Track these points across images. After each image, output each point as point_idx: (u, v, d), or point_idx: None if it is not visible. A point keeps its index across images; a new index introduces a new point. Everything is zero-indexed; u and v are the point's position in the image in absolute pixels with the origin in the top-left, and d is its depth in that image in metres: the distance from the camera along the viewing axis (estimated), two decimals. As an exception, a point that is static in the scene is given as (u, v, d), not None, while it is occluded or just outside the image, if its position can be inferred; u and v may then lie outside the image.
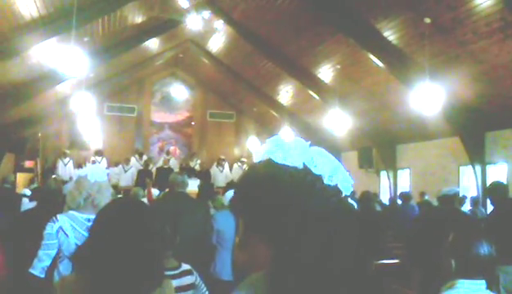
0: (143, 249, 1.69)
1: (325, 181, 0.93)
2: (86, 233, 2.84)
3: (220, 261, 5.24)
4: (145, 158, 16.36)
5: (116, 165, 15.90)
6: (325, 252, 0.88)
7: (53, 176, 11.63)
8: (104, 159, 16.28)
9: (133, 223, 1.74)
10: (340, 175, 0.95)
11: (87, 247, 1.77)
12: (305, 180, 0.92)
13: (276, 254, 0.89)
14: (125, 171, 15.62)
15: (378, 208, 9.43)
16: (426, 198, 10.42)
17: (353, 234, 0.93)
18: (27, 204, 6.63)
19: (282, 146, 0.94)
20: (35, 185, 11.17)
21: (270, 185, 0.91)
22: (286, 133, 15.57)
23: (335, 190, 0.94)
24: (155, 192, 9.27)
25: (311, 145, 0.98)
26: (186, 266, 2.51)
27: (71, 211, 2.95)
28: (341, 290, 0.88)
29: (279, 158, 0.93)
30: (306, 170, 0.93)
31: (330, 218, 0.90)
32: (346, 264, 0.89)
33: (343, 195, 0.95)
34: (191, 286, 2.48)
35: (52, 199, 4.36)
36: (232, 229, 4.84)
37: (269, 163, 0.94)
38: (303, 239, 0.88)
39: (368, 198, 8.85)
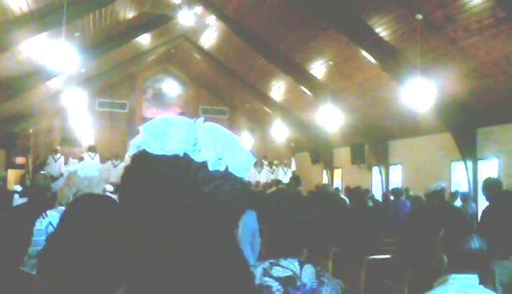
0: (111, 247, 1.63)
1: (212, 167, 0.76)
2: None
3: None
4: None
5: (105, 161, 15.83)
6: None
7: (42, 172, 11.55)
8: (97, 155, 16.19)
9: (100, 220, 1.65)
10: (231, 156, 0.78)
11: (52, 247, 1.68)
12: (185, 173, 0.75)
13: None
14: (114, 167, 15.52)
15: (370, 204, 9.47)
16: (410, 193, 10.42)
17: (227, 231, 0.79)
18: (17, 200, 6.58)
19: (158, 133, 0.77)
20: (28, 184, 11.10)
21: (140, 187, 0.76)
22: (278, 129, 15.58)
23: (224, 177, 0.77)
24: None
25: (204, 121, 0.83)
26: None
27: (61, 207, 2.92)
28: None
29: (155, 149, 0.76)
30: (186, 159, 0.76)
31: (205, 217, 0.75)
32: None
33: (237, 178, 0.79)
34: None
35: (40, 195, 4.32)
36: (248, 224, 4.70)
37: (142, 157, 0.77)
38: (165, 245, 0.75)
39: (360, 194, 8.90)
